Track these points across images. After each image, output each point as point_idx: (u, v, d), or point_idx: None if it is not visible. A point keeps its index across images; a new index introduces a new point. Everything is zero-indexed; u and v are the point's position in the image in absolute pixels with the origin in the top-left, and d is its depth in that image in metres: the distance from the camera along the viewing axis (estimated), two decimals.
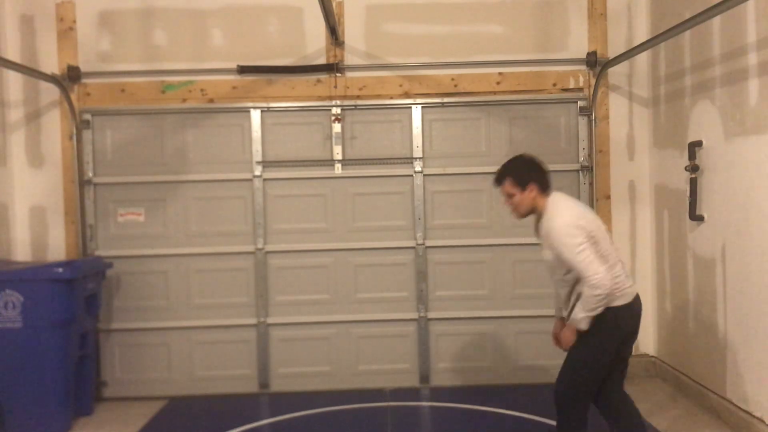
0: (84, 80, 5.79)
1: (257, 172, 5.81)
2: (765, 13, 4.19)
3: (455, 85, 5.86)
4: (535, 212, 3.80)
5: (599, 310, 3.55)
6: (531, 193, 3.74)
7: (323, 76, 5.82)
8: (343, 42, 5.81)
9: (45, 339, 4.85)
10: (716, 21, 4.66)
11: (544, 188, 3.78)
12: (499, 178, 3.81)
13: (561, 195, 3.81)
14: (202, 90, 5.82)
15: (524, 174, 3.77)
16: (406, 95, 5.86)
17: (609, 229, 3.66)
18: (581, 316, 3.58)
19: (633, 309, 3.68)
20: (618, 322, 3.63)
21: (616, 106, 5.93)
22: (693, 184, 5.05)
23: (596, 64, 5.80)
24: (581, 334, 3.66)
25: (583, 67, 5.86)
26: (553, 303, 5.85)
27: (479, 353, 5.89)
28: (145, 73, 5.81)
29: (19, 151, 5.79)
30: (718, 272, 4.83)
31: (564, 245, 3.52)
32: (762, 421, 4.32)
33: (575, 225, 3.55)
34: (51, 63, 5.76)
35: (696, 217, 5.05)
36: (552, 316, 5.82)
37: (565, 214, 3.61)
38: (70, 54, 5.77)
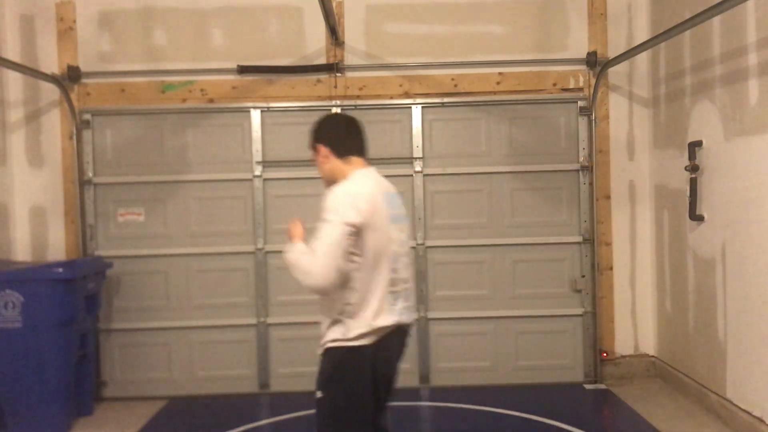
0: (84, 80, 5.79)
1: (257, 172, 5.81)
2: (765, 13, 4.19)
3: (455, 85, 5.86)
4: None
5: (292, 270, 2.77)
6: (322, 157, 2.98)
7: (323, 76, 5.82)
8: (343, 42, 5.81)
9: (45, 339, 4.85)
10: (716, 21, 4.66)
11: (341, 152, 2.96)
12: None
13: (376, 174, 3.00)
14: (202, 90, 5.82)
15: (315, 132, 3.04)
16: (406, 95, 5.86)
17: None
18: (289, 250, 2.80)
19: (362, 359, 2.82)
20: (343, 370, 2.82)
21: (616, 106, 5.93)
22: (693, 184, 5.05)
23: (596, 64, 5.80)
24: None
25: (583, 67, 5.86)
26: (551, 303, 5.89)
27: (479, 353, 5.89)
28: (145, 73, 5.81)
29: (19, 151, 5.79)
30: (718, 272, 4.83)
31: (325, 209, 2.75)
32: (762, 421, 4.32)
33: (359, 201, 2.75)
34: (51, 63, 5.76)
35: (696, 217, 5.05)
36: (553, 316, 5.88)
37: (358, 185, 2.84)
38: (70, 54, 5.77)
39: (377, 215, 2.81)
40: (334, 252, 2.68)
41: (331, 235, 2.70)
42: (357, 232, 2.73)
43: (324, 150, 2.98)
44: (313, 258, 2.69)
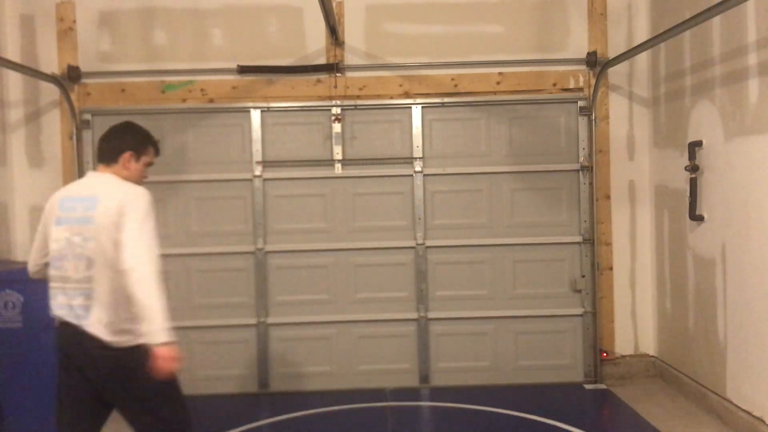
0: (84, 80, 5.79)
1: (257, 172, 5.81)
2: (765, 13, 4.19)
3: (455, 85, 5.86)
4: None
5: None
6: None
7: (323, 76, 5.82)
8: (343, 42, 5.81)
9: (45, 339, 4.82)
10: (716, 21, 4.66)
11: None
12: None
13: (87, 180, 3.30)
14: (202, 90, 5.82)
15: None
16: (406, 95, 5.86)
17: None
18: None
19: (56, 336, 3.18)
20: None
21: (616, 106, 5.93)
22: (693, 184, 5.06)
23: (596, 64, 5.79)
24: None
25: (583, 67, 5.86)
26: (551, 303, 5.89)
27: (479, 353, 5.89)
28: (145, 73, 5.80)
29: (19, 151, 5.79)
30: (718, 272, 4.83)
31: None
32: (762, 421, 4.32)
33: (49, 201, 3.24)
34: (51, 63, 5.76)
35: (696, 217, 5.06)
36: (553, 316, 5.88)
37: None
38: (70, 54, 5.77)
39: (47, 216, 3.21)
40: (34, 242, 3.27)
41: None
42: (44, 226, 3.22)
43: None
44: None
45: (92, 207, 3.06)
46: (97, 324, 3.02)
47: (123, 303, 3.00)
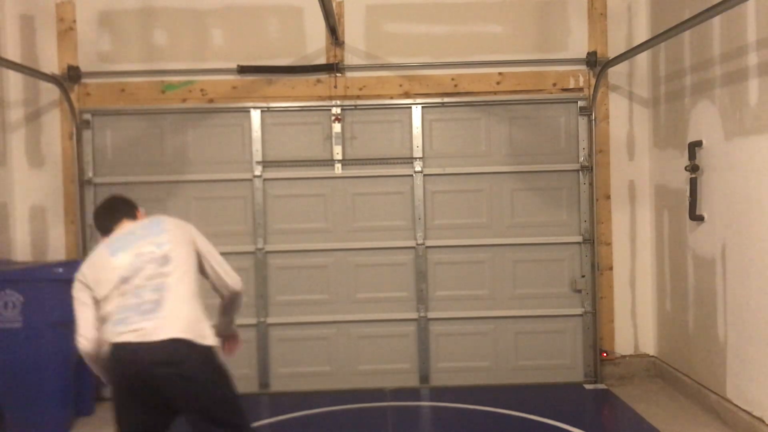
0: (84, 80, 5.79)
1: (257, 172, 5.81)
2: (765, 12, 4.19)
3: (455, 85, 5.86)
4: None
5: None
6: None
7: (323, 76, 5.82)
8: (343, 42, 5.81)
9: (45, 339, 4.85)
10: (716, 21, 4.66)
11: (102, 235, 3.49)
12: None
13: (122, 229, 3.46)
14: (202, 90, 5.82)
15: None
16: (406, 95, 5.86)
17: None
18: None
19: (113, 357, 3.10)
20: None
21: (616, 106, 5.93)
22: (693, 184, 5.06)
23: (596, 64, 5.80)
24: None
25: (583, 67, 5.86)
26: (551, 303, 5.89)
27: (479, 353, 5.89)
28: (145, 73, 5.81)
29: (19, 151, 5.79)
30: (718, 272, 4.83)
31: None
32: (762, 421, 4.32)
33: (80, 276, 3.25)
34: (51, 63, 5.76)
35: (696, 217, 5.06)
36: (553, 316, 5.88)
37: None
38: (70, 54, 5.77)
39: (93, 277, 3.23)
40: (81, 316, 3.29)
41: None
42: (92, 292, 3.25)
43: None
44: None
45: (156, 223, 3.52)
46: (177, 321, 3.19)
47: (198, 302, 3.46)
